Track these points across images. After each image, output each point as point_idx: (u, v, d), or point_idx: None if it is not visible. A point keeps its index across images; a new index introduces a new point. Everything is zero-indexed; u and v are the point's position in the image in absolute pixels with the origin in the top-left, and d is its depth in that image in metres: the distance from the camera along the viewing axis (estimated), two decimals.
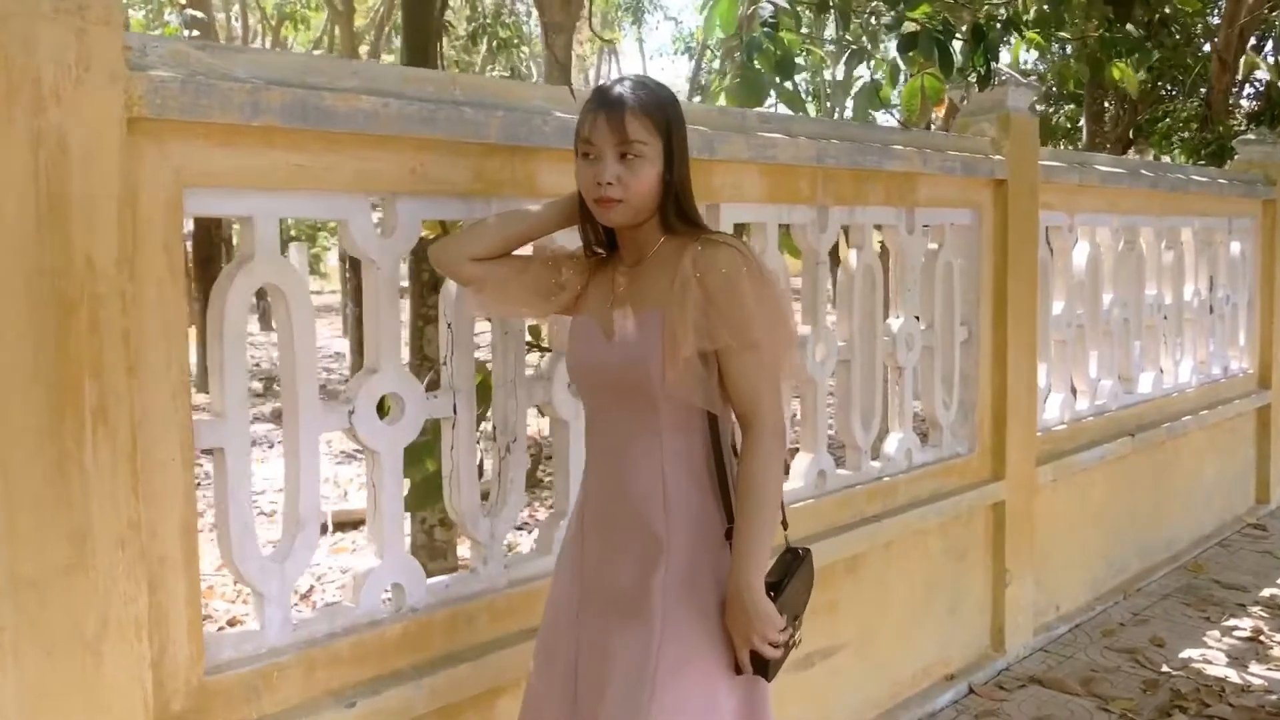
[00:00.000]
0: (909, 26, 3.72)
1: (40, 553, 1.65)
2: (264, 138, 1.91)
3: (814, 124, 3.21)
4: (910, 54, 3.70)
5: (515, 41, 12.26)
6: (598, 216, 1.82)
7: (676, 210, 1.83)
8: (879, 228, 3.49)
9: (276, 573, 2.04)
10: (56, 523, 1.67)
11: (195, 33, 10.50)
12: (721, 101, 4.07)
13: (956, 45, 3.94)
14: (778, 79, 3.67)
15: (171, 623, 1.86)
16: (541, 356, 2.85)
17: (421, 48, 3.53)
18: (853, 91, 4.27)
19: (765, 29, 3.64)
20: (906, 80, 4.20)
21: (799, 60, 4.02)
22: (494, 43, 12.53)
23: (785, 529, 1.96)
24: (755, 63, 3.57)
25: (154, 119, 1.75)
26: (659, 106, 1.79)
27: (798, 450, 3.30)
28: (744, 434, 1.80)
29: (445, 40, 13.65)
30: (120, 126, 1.70)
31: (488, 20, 12.55)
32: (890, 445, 3.57)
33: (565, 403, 2.48)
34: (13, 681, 1.64)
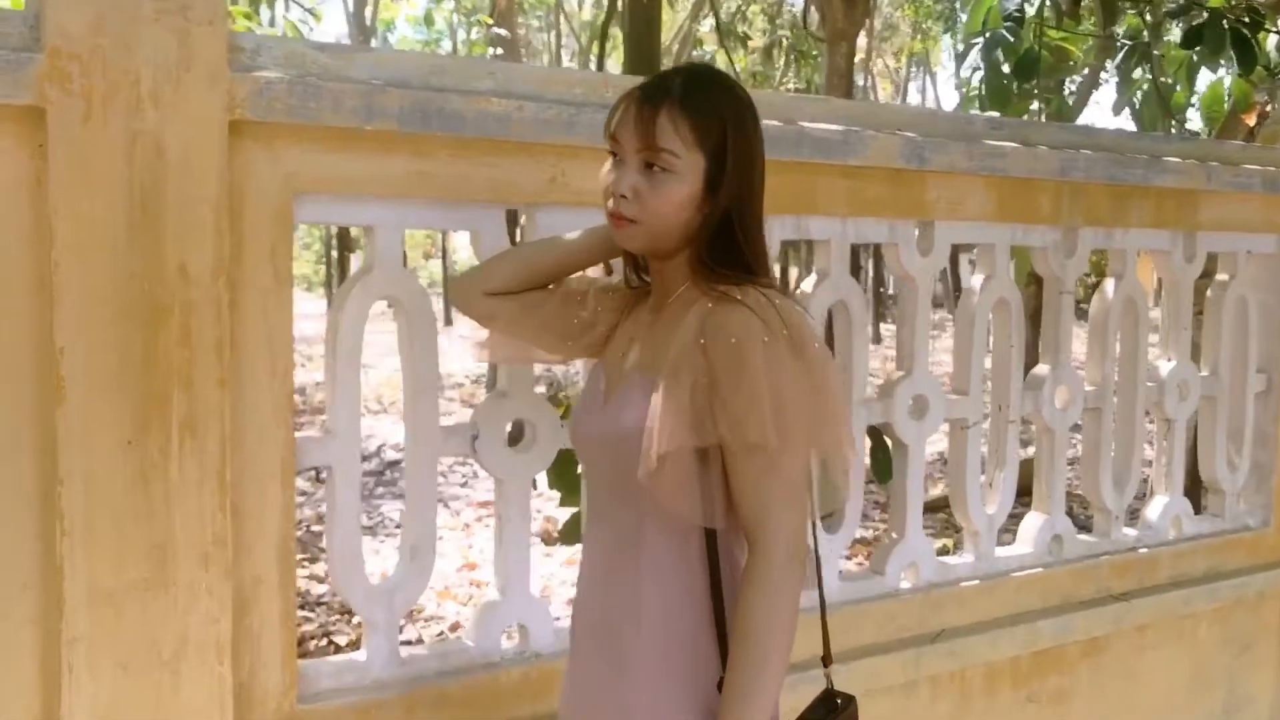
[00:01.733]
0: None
1: (119, 565, 1.62)
2: (384, 143, 1.80)
3: (1058, 131, 2.75)
4: (1196, 49, 3.09)
5: (814, 53, 11.95)
6: (613, 235, 1.47)
7: (713, 247, 1.42)
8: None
9: (384, 602, 1.92)
10: (137, 535, 1.63)
11: (499, 50, 10.99)
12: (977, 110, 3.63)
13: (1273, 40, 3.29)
14: (1018, 81, 3.18)
15: (263, 645, 1.79)
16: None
17: (646, 56, 3.38)
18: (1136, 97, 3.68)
19: (1008, 23, 3.15)
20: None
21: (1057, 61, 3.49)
22: (792, 54, 12.33)
23: (827, 665, 1.55)
24: (1003, 63, 3.12)
25: (259, 122, 1.68)
26: (711, 110, 1.40)
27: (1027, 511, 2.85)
28: (749, 556, 1.38)
29: (742, 52, 13.61)
30: (220, 130, 1.63)
31: (784, 32, 12.38)
32: (1153, 510, 3.02)
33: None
34: (87, 695, 1.61)
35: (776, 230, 2.24)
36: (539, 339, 1.68)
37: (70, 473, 1.57)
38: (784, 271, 21.94)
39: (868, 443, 2.49)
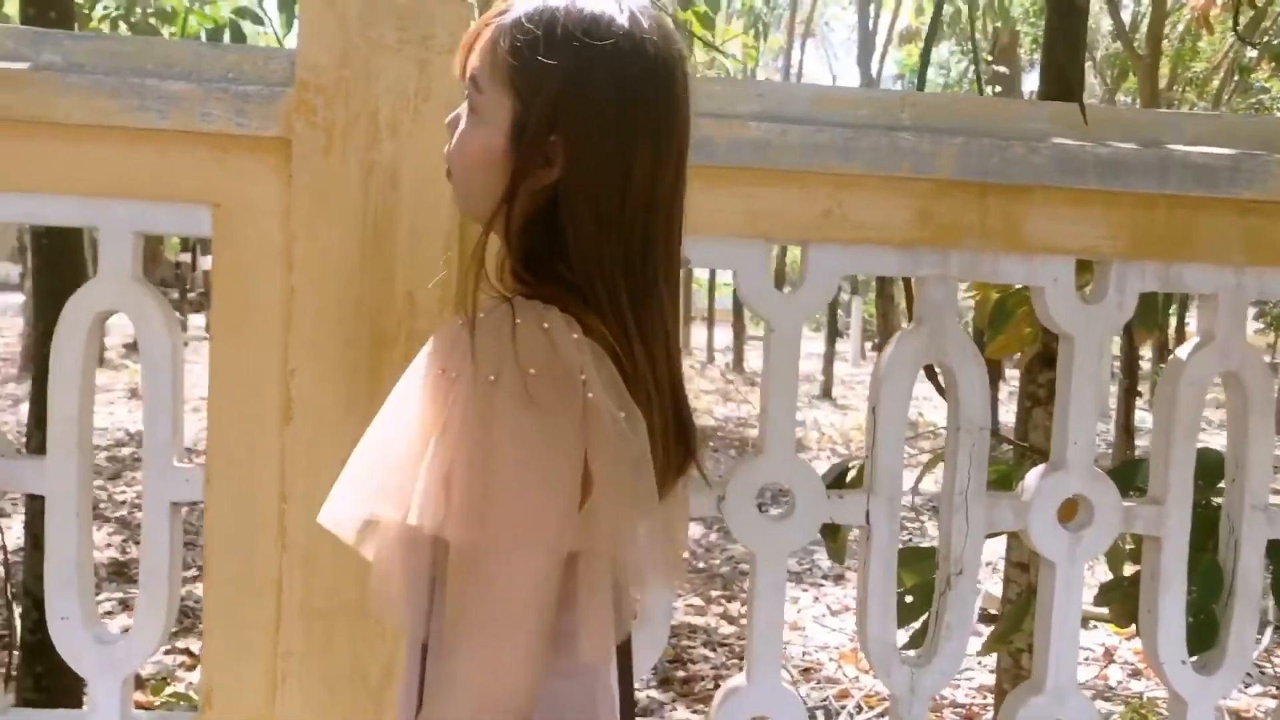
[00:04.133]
0: None
1: (333, 586, 1.64)
2: None
3: None
4: None
5: None
6: None
7: (520, 235, 1.03)
8: None
9: None
10: (350, 559, 1.62)
11: (998, 88, 10.46)
12: None
13: None
14: None
15: None
16: (1024, 459, 2.09)
17: (1062, 81, 2.93)
18: None
19: None
20: None
21: None
22: None
23: None
24: None
25: None
26: (544, 49, 0.97)
27: None
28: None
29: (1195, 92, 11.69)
30: None
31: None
32: None
33: (1048, 535, 1.80)
34: (295, 708, 1.66)
35: (1133, 279, 1.79)
36: None
37: (293, 491, 1.63)
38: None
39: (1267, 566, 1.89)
